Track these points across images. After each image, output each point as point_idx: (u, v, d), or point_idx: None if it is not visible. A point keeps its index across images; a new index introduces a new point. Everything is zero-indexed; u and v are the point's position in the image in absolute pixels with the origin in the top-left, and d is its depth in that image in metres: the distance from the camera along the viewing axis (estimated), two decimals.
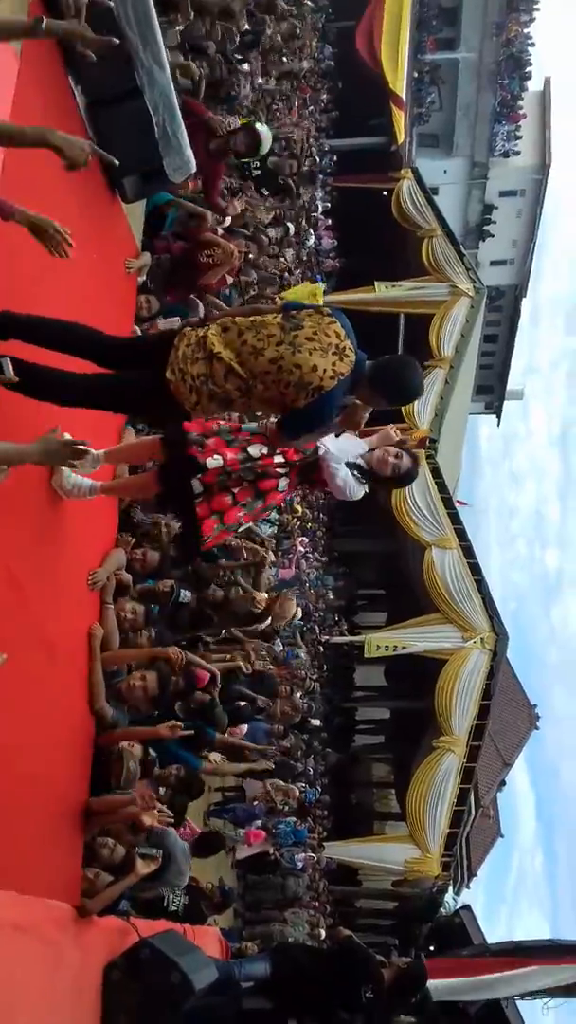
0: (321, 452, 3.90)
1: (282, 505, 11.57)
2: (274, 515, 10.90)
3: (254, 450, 3.83)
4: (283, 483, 3.95)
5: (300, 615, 12.41)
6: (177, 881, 5.04)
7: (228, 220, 7.15)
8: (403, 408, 18.85)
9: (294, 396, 3.23)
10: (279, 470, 3.91)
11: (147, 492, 4.41)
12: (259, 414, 3.87)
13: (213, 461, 3.77)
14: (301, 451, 3.90)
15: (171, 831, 5.02)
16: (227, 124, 6.10)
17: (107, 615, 4.57)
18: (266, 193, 9.79)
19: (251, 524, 4.54)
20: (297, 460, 3.94)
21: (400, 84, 22.49)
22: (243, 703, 7.82)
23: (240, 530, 4.11)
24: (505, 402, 42.44)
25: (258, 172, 9.14)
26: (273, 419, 3.65)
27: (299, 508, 14.28)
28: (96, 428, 4.16)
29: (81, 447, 2.90)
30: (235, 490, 3.81)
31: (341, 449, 3.91)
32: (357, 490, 3.94)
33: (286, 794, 10.24)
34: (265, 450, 3.83)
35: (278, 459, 3.87)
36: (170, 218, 6.28)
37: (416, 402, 18.88)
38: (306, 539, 15.79)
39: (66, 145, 2.76)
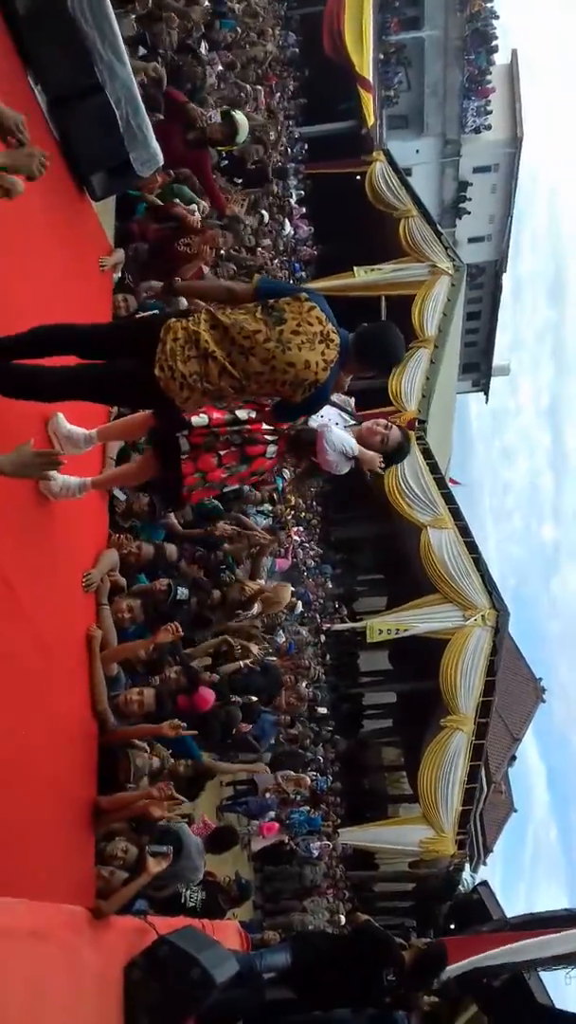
0: (318, 427, 3.85)
1: (275, 496, 11.55)
2: (267, 507, 10.88)
3: (242, 413, 3.80)
4: (271, 450, 3.92)
5: (300, 606, 12.42)
6: (192, 876, 5.03)
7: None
8: (390, 391, 18.86)
9: (290, 393, 3.27)
10: (267, 436, 3.89)
11: (140, 478, 4.37)
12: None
13: (198, 419, 3.74)
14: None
15: (184, 826, 5.02)
16: (207, 116, 6.06)
17: (103, 616, 4.55)
18: (238, 182, 9.73)
19: (236, 486, 4.50)
20: (287, 428, 3.91)
21: (366, 67, 22.39)
22: (252, 698, 7.80)
23: (224, 490, 4.08)
24: (492, 379, 42.43)
25: (226, 162, 9.09)
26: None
27: (292, 498, 14.27)
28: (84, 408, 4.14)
29: (55, 457, 2.85)
30: (221, 452, 3.78)
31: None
32: (344, 466, 3.91)
33: (297, 783, 10.26)
34: (254, 415, 3.79)
35: (267, 426, 3.86)
36: (139, 208, 6.26)
37: (403, 384, 18.90)
38: (301, 528, 15.77)
39: (11, 160, 2.73)
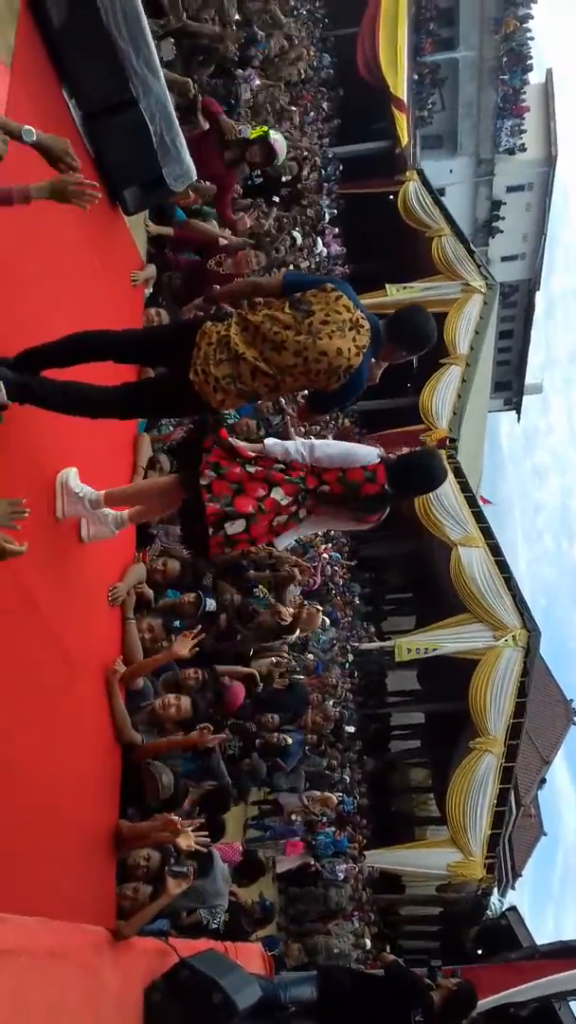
0: None
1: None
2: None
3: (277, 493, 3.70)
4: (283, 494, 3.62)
5: (328, 623, 12.33)
6: (215, 902, 4.97)
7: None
8: (421, 408, 18.81)
9: (325, 382, 3.28)
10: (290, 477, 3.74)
11: (172, 504, 4.30)
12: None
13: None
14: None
15: (214, 852, 4.96)
16: (238, 129, 6.08)
17: (129, 630, 4.51)
18: (274, 201, 9.73)
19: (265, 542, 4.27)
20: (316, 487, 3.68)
21: (401, 87, 22.47)
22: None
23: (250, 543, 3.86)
24: (524, 397, 42.15)
25: (260, 180, 9.10)
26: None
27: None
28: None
29: (20, 507, 2.76)
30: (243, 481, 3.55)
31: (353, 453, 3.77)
32: (371, 450, 3.64)
33: (324, 803, 10.15)
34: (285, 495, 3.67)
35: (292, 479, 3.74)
36: (178, 213, 6.28)
37: (435, 401, 18.84)
38: (330, 546, 15.70)
39: (57, 187, 2.76)
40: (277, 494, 3.47)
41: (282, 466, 3.51)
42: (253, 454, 3.61)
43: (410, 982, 5.48)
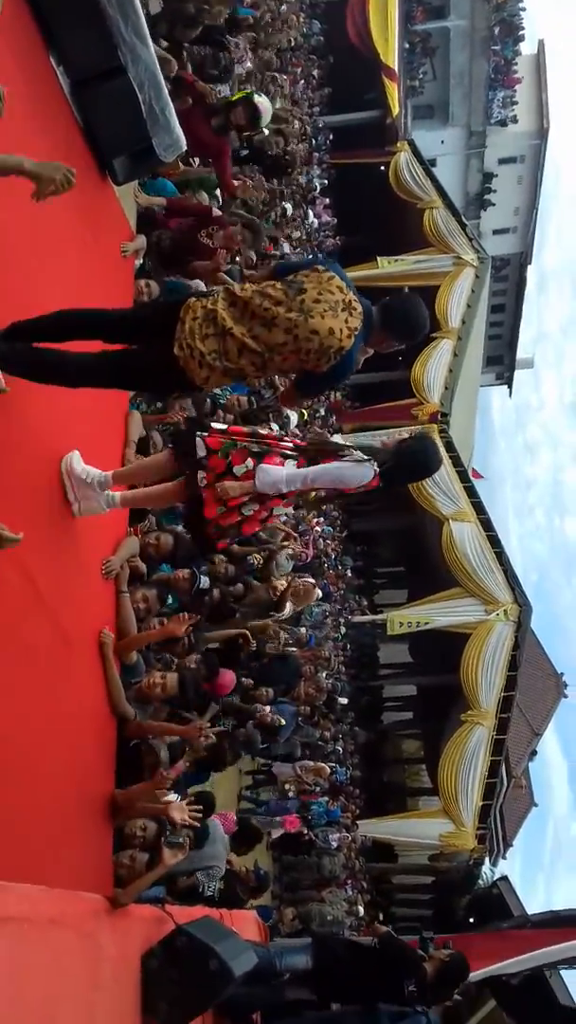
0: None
1: None
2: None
3: (262, 429, 3.76)
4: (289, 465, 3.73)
5: (320, 595, 12.37)
6: (211, 863, 5.03)
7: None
8: (413, 381, 18.75)
9: (315, 362, 3.18)
10: (287, 452, 3.74)
11: (168, 501, 4.30)
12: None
13: (218, 424, 3.71)
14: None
15: (214, 821, 5.01)
16: (216, 92, 5.99)
17: (123, 603, 4.52)
18: (257, 170, 9.63)
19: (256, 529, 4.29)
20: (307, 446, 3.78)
21: (392, 56, 22.21)
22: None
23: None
24: (516, 372, 42.08)
25: (246, 151, 9.01)
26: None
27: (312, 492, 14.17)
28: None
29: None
30: (236, 468, 3.62)
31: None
32: (367, 471, 3.65)
33: (317, 773, 10.22)
34: (274, 429, 3.77)
35: (286, 443, 3.76)
36: (169, 187, 6.22)
37: (426, 375, 18.79)
38: (322, 520, 15.72)
39: (40, 170, 2.70)
40: (278, 510, 3.55)
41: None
42: (247, 430, 3.63)
43: (403, 953, 5.54)
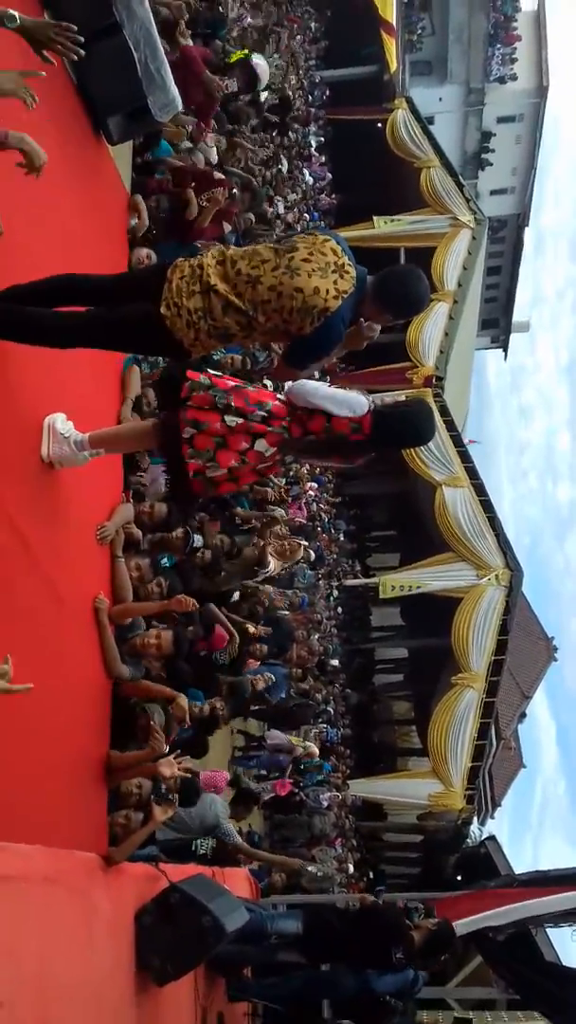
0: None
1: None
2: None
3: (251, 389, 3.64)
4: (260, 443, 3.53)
5: (312, 556, 12.42)
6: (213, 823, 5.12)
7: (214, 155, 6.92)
8: (408, 344, 18.65)
9: (299, 323, 3.10)
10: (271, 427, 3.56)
11: (142, 444, 4.25)
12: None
13: (202, 378, 3.52)
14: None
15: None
16: (225, 84, 5.89)
17: (118, 569, 4.54)
18: (253, 126, 9.47)
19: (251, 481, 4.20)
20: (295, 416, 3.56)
21: (390, 10, 21.79)
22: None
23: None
24: (511, 335, 41.87)
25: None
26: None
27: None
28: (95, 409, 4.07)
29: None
30: (226, 419, 3.44)
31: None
32: (361, 399, 3.47)
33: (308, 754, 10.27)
34: (266, 386, 3.66)
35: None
36: (165, 147, 6.13)
37: (422, 338, 18.69)
38: (316, 484, 15.73)
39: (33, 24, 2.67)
40: (260, 445, 3.38)
41: (263, 414, 3.42)
42: (233, 383, 3.54)
43: (391, 922, 5.67)
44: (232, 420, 3.37)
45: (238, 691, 6.43)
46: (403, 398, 3.68)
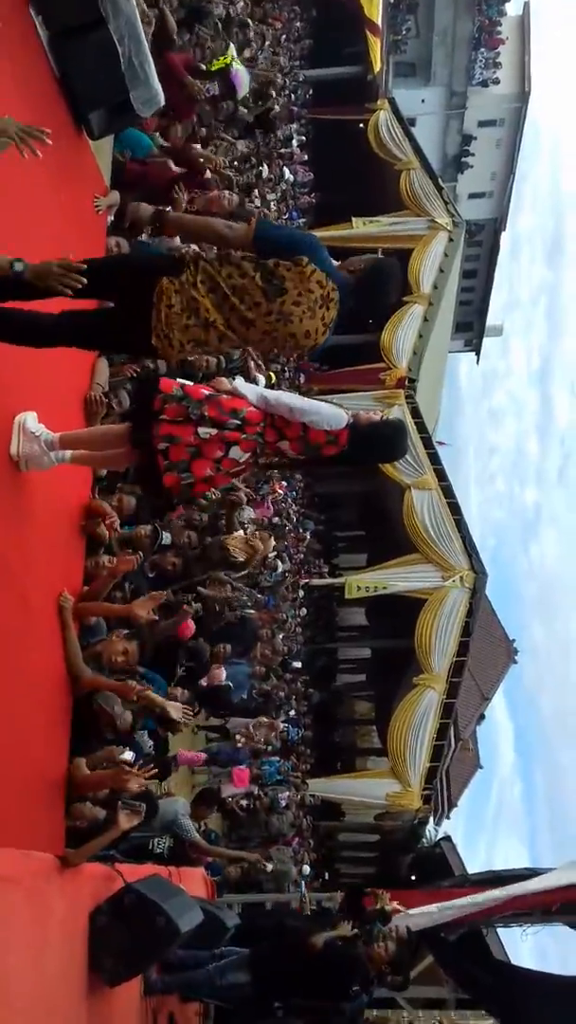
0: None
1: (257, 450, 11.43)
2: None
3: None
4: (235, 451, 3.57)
5: (280, 566, 12.43)
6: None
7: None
8: (381, 346, 18.70)
9: (290, 354, 3.28)
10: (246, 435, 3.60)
11: (120, 465, 4.26)
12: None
13: (175, 390, 3.52)
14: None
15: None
16: (205, 88, 5.88)
17: (69, 640, 4.48)
18: (235, 135, 9.43)
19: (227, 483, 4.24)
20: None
21: (375, 11, 21.77)
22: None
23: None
24: (484, 339, 42.14)
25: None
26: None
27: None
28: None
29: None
30: (200, 431, 3.46)
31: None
32: (341, 415, 3.53)
33: (270, 728, 10.32)
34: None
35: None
36: (144, 145, 6.08)
37: (396, 340, 18.74)
38: (285, 483, 15.73)
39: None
40: (235, 453, 3.43)
41: (237, 423, 3.44)
42: (207, 392, 3.53)
43: (348, 959, 5.55)
44: (206, 432, 3.39)
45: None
46: (379, 416, 3.70)
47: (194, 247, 3.26)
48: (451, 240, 19.86)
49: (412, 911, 7.37)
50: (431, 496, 17.77)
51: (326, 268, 3.20)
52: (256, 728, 10.17)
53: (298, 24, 20.31)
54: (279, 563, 12.34)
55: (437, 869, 16.94)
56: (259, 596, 10.03)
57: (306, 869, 12.08)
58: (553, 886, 7.57)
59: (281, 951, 5.64)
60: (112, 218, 5.45)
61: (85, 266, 2.88)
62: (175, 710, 4.07)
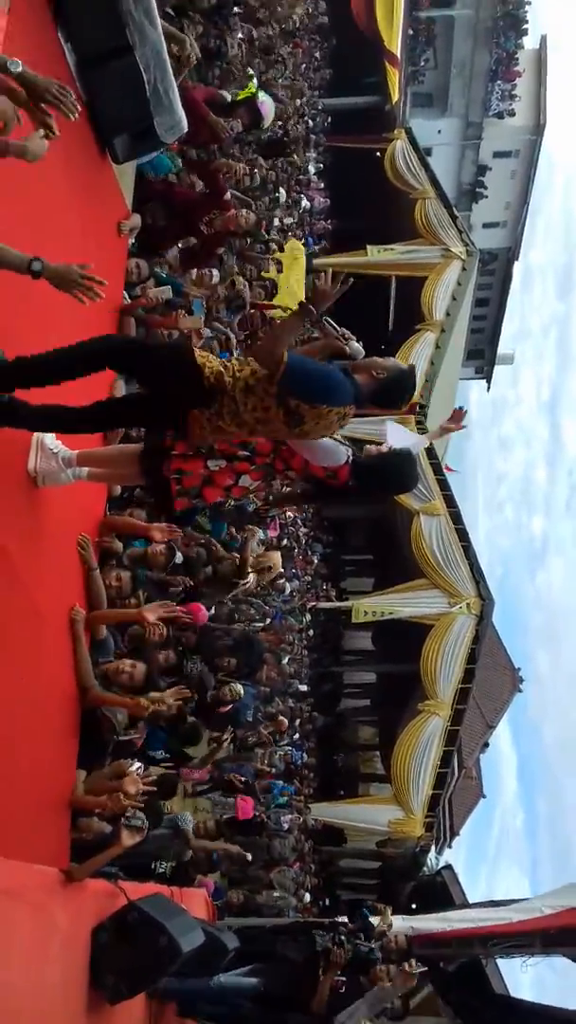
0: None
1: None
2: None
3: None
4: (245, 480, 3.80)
5: (288, 588, 12.42)
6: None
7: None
8: None
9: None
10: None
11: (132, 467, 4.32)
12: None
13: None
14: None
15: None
16: (230, 127, 5.97)
17: (93, 580, 4.54)
18: (252, 155, 9.56)
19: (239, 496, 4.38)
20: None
21: (395, 42, 22.05)
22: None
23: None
24: (495, 367, 42.26)
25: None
26: None
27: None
28: None
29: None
30: (210, 464, 3.71)
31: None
32: (340, 451, 3.69)
33: (277, 726, 10.22)
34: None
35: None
36: (164, 167, 6.15)
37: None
38: (295, 507, 15.74)
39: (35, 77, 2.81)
40: (245, 481, 3.56)
41: (247, 453, 3.53)
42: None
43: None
44: (216, 464, 3.49)
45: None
46: (387, 447, 3.75)
47: (218, 365, 3.22)
48: (464, 269, 19.97)
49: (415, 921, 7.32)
50: (440, 522, 17.76)
51: (344, 402, 3.29)
52: (263, 727, 10.08)
53: (318, 54, 20.56)
54: (287, 584, 12.33)
55: (438, 898, 16.76)
56: (268, 608, 10.01)
57: (306, 897, 11.98)
58: (556, 908, 7.51)
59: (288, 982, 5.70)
60: (133, 240, 5.53)
61: (105, 281, 2.93)
62: (132, 784, 4.04)
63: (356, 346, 3.44)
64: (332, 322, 3.39)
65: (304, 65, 17.86)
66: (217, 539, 7.23)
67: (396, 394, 3.50)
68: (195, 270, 6.33)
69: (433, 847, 18.06)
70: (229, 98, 6.11)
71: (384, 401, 3.48)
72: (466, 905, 12.79)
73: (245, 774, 9.70)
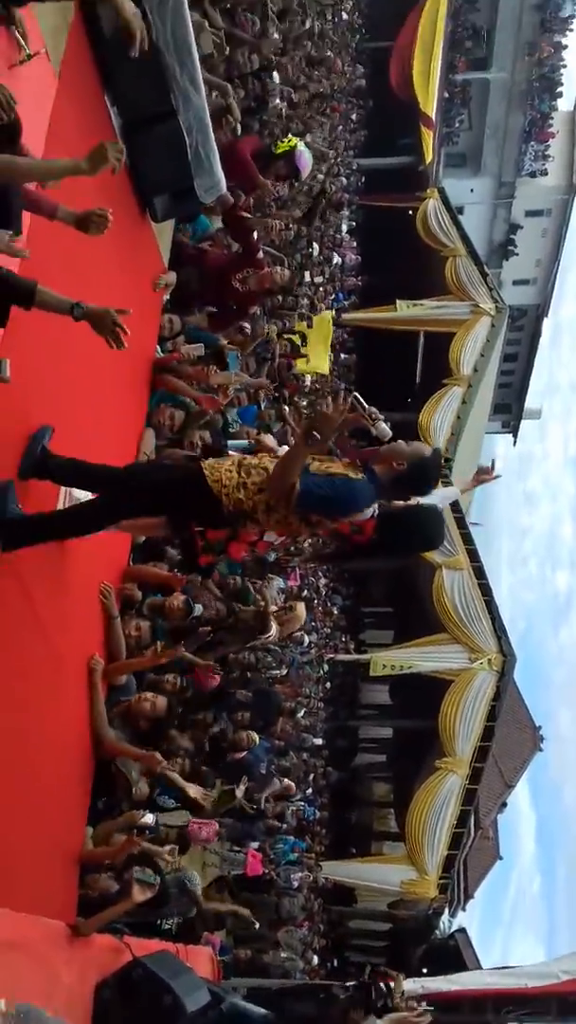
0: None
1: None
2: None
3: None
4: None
5: (308, 638, 12.35)
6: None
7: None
8: (420, 426, 18.86)
9: None
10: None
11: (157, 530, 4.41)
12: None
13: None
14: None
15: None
16: (276, 192, 6.12)
17: (113, 628, 4.56)
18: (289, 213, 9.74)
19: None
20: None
21: (431, 104, 22.52)
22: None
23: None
24: (522, 421, 42.32)
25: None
26: None
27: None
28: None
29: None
30: None
31: None
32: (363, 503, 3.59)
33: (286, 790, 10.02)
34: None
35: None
36: (203, 226, 6.29)
37: (434, 420, 18.90)
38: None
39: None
40: (269, 536, 3.53)
41: None
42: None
43: None
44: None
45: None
46: (414, 501, 3.71)
47: (234, 487, 3.29)
48: (493, 325, 20.13)
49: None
50: (462, 576, 17.65)
51: (362, 508, 3.38)
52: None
53: (354, 115, 21.03)
54: (305, 636, 12.28)
55: (450, 962, 16.35)
56: (285, 656, 9.95)
57: (314, 960, 11.70)
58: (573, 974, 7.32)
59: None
60: (167, 297, 5.64)
61: (128, 331, 3.03)
62: (194, 790, 4.05)
63: (383, 427, 3.41)
64: (361, 400, 3.39)
65: (340, 127, 18.25)
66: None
67: (420, 483, 3.50)
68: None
69: (447, 909, 17.65)
70: (273, 149, 6.25)
71: (408, 491, 3.52)
72: (479, 969, 12.50)
73: (256, 832, 9.58)
